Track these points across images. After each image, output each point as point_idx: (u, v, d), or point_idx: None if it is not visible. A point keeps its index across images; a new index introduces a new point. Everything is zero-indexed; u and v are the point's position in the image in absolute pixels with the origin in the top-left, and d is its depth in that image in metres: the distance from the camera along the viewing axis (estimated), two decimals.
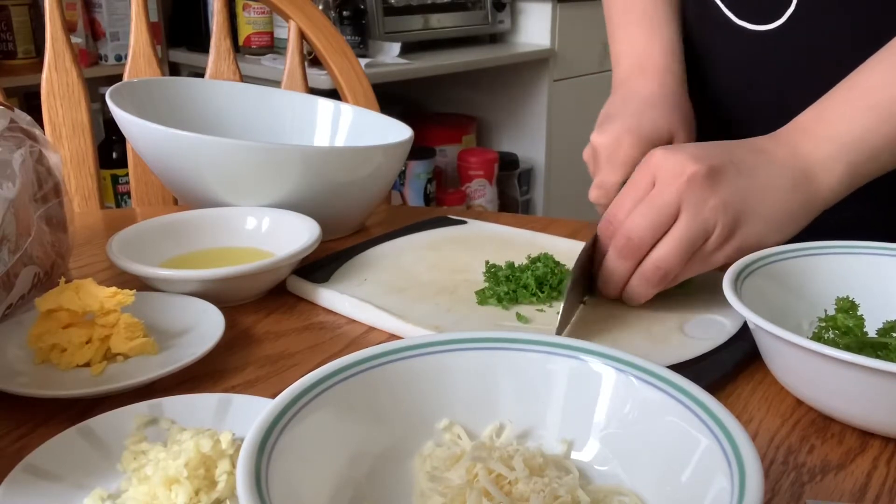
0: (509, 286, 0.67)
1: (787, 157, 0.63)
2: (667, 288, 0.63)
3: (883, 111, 0.62)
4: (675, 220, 0.60)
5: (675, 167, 0.60)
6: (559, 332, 0.59)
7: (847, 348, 0.51)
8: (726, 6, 0.81)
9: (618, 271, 0.63)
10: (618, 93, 0.81)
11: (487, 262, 0.70)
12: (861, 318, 0.53)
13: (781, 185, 0.62)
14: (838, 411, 0.51)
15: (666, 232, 0.61)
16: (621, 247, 0.62)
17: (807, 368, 0.50)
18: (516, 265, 0.69)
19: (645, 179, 0.62)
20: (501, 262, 0.70)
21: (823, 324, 0.55)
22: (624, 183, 0.69)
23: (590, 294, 0.67)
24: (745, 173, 0.61)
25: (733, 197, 0.60)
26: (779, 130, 0.66)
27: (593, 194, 0.71)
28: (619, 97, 0.79)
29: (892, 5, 0.71)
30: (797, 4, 0.75)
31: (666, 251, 0.61)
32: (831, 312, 0.55)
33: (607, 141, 0.71)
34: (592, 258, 0.66)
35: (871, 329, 0.54)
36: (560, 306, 0.66)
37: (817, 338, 0.54)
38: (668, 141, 0.72)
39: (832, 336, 0.54)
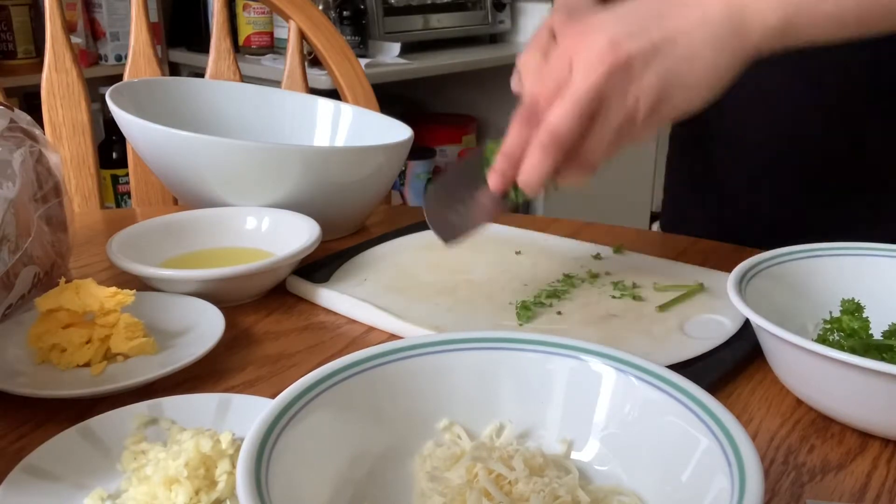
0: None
1: (719, 3, 0.59)
2: (589, 176, 0.60)
3: None
4: (598, 110, 0.58)
5: (591, 57, 0.58)
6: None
7: (852, 350, 0.51)
8: None
9: (515, 137, 0.60)
10: None
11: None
12: (866, 321, 0.53)
13: (706, 46, 0.59)
14: (842, 413, 0.51)
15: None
16: (527, 116, 0.59)
17: (811, 371, 0.50)
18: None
19: (561, 64, 0.59)
20: (501, 262, 0.70)
21: (828, 326, 0.54)
22: None
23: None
24: (666, 48, 0.58)
25: (655, 79, 0.58)
26: None
27: (513, 83, 0.68)
28: None
29: None
30: None
31: (595, 139, 0.58)
32: (836, 314, 0.55)
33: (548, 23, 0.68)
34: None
35: (877, 331, 0.54)
36: (561, 305, 0.66)
37: (822, 340, 0.54)
38: None
39: (837, 338, 0.54)
